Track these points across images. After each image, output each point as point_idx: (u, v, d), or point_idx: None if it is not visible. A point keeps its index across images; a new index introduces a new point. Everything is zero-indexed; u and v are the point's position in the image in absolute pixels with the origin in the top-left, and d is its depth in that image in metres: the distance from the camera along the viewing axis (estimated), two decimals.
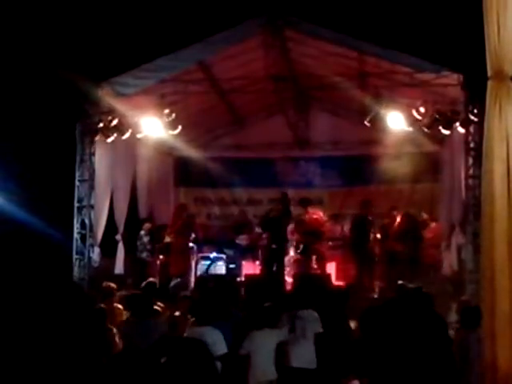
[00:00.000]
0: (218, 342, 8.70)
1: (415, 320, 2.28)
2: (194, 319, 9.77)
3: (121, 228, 17.64)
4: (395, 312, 2.41)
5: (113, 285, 12.22)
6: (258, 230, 18.58)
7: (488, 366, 5.32)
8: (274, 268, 17.28)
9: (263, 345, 9.46)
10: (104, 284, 12.21)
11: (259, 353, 9.37)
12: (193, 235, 17.89)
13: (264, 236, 17.74)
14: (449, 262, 16.35)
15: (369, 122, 15.89)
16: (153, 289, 11.68)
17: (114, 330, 9.76)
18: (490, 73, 5.24)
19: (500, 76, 5.17)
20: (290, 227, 17.84)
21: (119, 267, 17.34)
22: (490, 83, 5.24)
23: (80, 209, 15.65)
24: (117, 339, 9.64)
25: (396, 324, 2.33)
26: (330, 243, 18.15)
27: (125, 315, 11.42)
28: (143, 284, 11.96)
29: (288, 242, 17.68)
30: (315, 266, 17.43)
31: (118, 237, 17.60)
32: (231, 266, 17.99)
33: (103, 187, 16.19)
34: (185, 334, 8.93)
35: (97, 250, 15.93)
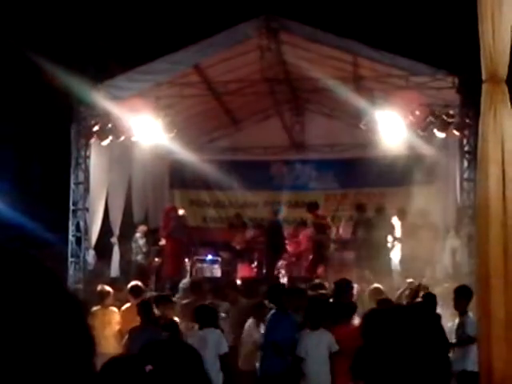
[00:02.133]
0: (219, 342, 8.83)
1: (421, 328, 2.25)
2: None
3: (116, 231, 17.62)
4: (402, 317, 2.39)
5: (108, 288, 12.21)
6: (252, 232, 18.58)
7: (483, 370, 5.32)
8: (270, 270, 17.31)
9: (314, 348, 9.09)
10: (99, 287, 12.19)
11: (311, 357, 9.06)
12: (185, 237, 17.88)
13: (260, 240, 17.77)
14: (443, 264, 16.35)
15: (364, 124, 15.90)
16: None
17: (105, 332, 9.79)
18: (484, 76, 5.24)
19: (495, 79, 5.17)
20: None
21: (115, 270, 17.33)
22: (484, 86, 5.23)
23: (75, 212, 15.62)
24: (112, 343, 9.66)
25: (401, 330, 2.31)
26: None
27: (119, 319, 11.39)
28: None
29: (284, 245, 17.70)
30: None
31: (114, 239, 17.59)
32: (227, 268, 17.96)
33: (98, 190, 16.17)
34: (188, 337, 9.05)
35: (91, 252, 15.92)
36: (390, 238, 17.02)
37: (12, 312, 0.91)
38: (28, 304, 0.93)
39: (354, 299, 11.53)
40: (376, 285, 12.53)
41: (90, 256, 15.83)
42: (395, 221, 17.35)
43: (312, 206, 18.14)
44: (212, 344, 8.65)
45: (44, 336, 0.93)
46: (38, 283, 0.97)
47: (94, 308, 11.40)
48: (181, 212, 18.50)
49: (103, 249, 17.04)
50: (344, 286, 11.21)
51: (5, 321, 0.90)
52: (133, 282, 12.15)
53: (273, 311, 10.03)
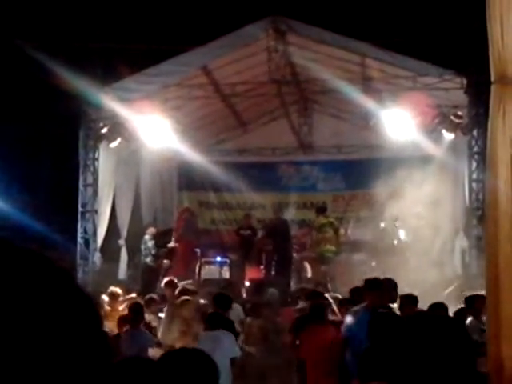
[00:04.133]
0: (232, 345, 8.83)
1: (429, 330, 2.25)
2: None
3: (124, 233, 17.64)
4: (408, 320, 2.40)
5: (118, 290, 12.25)
6: (261, 234, 18.60)
7: (493, 370, 5.31)
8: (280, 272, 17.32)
9: None
10: (110, 289, 12.22)
11: None
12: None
13: (268, 241, 17.78)
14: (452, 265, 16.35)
15: (372, 125, 15.91)
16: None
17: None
18: (493, 77, 5.23)
19: (504, 80, 5.16)
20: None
21: (122, 272, 17.37)
22: (493, 87, 5.23)
23: (84, 214, 15.65)
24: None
25: (408, 332, 2.31)
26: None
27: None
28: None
29: (292, 246, 17.73)
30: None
31: (121, 241, 17.61)
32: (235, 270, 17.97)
33: (105, 192, 16.21)
34: (199, 338, 9.08)
35: (97, 254, 15.94)
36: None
37: (27, 313, 0.92)
38: (43, 304, 0.94)
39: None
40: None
41: (96, 258, 15.86)
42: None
43: (321, 210, 18.27)
44: (225, 346, 8.66)
45: (60, 336, 0.93)
46: (53, 283, 0.97)
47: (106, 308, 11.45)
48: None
49: (110, 251, 17.07)
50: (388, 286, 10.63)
51: (19, 322, 0.91)
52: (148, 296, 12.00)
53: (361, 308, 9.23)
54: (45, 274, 0.96)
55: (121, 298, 12.01)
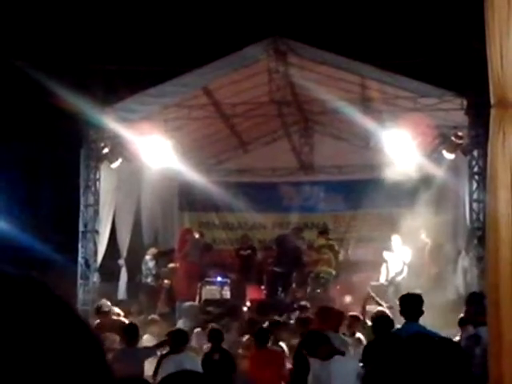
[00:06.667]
0: (197, 368, 8.65)
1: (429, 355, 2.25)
2: None
3: (124, 253, 17.63)
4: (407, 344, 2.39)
5: (118, 311, 12.22)
6: (263, 254, 18.61)
7: None
8: (280, 292, 17.30)
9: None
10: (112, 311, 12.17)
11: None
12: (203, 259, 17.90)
13: (269, 261, 17.78)
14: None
15: (372, 146, 15.95)
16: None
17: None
18: (493, 100, 5.24)
19: (503, 103, 5.17)
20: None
21: (122, 292, 17.34)
22: (493, 111, 5.23)
23: (85, 234, 15.65)
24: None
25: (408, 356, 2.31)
26: None
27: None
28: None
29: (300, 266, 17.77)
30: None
31: (121, 261, 17.59)
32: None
33: (105, 212, 16.22)
34: (163, 362, 9.00)
35: (96, 274, 15.93)
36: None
37: (21, 344, 0.92)
38: (36, 335, 0.94)
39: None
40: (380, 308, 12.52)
41: (96, 278, 15.85)
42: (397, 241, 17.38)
43: (322, 232, 18.43)
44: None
45: (58, 367, 0.93)
46: (46, 311, 0.97)
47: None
48: (196, 235, 18.52)
49: (109, 271, 17.05)
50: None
51: (13, 355, 0.91)
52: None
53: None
54: (41, 304, 0.96)
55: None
